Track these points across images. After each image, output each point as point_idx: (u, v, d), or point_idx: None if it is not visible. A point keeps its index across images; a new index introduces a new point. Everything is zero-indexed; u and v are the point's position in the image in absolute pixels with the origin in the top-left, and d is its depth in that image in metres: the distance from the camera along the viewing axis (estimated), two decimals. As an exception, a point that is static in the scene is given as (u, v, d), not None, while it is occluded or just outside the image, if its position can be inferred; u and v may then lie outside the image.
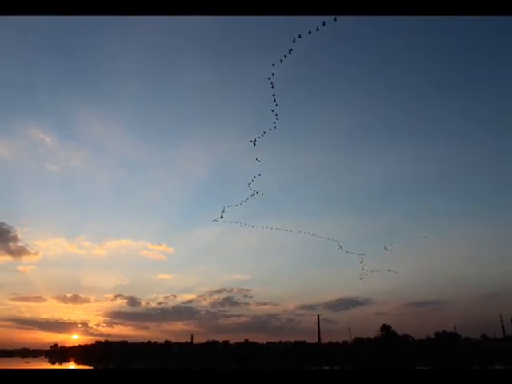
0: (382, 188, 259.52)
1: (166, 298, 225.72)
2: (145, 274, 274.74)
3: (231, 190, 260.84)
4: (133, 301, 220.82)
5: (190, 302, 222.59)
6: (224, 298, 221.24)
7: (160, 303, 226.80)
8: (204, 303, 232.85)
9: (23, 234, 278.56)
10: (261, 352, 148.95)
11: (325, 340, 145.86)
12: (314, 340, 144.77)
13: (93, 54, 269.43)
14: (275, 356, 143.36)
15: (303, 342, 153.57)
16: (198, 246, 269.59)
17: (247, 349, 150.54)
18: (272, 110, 25.82)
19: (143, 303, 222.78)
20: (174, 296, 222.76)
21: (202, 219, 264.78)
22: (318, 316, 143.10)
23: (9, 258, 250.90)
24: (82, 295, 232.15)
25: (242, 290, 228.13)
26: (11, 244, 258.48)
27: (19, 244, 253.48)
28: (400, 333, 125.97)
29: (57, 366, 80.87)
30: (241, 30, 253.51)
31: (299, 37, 16.92)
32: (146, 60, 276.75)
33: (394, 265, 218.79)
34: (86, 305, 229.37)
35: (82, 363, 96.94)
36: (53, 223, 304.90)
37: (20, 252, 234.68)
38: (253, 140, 36.13)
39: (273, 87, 21.29)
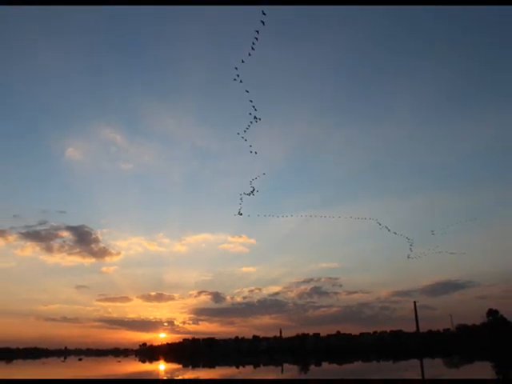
0: None
1: (251, 291, 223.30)
2: (227, 268, 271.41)
3: (309, 176, 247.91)
4: (217, 296, 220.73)
5: (277, 294, 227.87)
6: (312, 289, 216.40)
7: (245, 297, 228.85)
8: (291, 295, 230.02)
9: (103, 235, 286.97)
10: (354, 344, 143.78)
11: (423, 328, 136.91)
12: (412, 329, 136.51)
13: (156, 47, 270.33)
14: (370, 348, 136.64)
15: (400, 332, 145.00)
16: (281, 236, 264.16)
17: (340, 341, 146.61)
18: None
19: (228, 298, 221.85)
20: (259, 289, 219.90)
21: (283, 207, 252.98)
22: (415, 302, 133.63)
23: (92, 260, 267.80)
24: (166, 293, 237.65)
25: (330, 278, 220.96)
26: (93, 246, 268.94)
27: (101, 245, 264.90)
28: (510, 318, 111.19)
29: (147, 365, 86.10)
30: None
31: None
32: (209, 47, 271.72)
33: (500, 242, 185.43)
34: (170, 302, 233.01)
35: (172, 361, 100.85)
36: (131, 222, 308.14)
37: (102, 253, 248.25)
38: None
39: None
